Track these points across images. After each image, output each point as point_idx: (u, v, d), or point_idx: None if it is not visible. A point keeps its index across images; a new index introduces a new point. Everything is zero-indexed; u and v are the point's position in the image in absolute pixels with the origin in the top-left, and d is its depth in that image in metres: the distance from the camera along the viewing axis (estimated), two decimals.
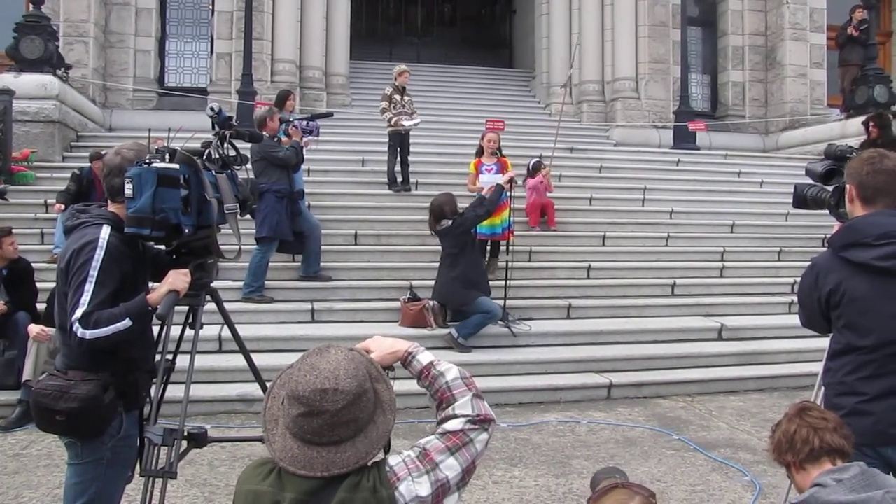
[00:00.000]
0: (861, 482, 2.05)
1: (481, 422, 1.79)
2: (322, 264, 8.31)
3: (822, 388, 2.96)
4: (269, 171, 7.78)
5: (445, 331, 7.33)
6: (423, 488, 1.66)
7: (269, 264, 7.85)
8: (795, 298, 8.39)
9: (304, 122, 8.30)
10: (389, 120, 10.10)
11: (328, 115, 8.88)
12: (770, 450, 2.33)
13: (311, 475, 1.63)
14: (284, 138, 8.02)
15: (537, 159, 10.04)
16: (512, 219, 8.22)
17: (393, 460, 1.70)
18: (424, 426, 5.56)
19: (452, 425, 1.77)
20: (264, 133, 7.84)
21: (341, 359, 1.70)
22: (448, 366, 1.90)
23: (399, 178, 10.41)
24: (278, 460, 1.67)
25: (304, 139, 8.29)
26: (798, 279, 3.10)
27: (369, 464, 1.68)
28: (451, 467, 1.70)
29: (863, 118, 10.97)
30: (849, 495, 2.01)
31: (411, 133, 10.30)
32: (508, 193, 7.87)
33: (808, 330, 3.03)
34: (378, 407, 1.73)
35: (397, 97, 10.17)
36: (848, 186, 2.82)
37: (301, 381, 1.65)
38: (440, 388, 1.85)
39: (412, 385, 1.99)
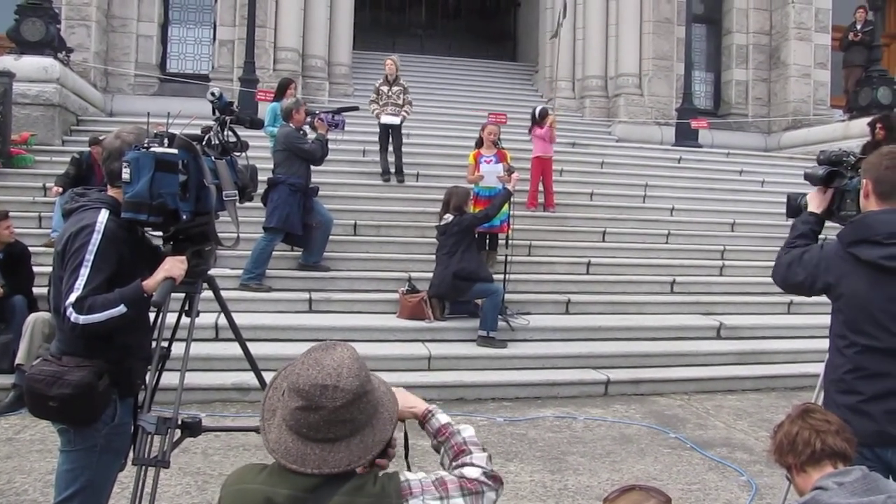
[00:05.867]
0: (863, 486, 2.02)
1: (494, 479, 1.78)
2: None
3: (823, 391, 2.93)
4: (288, 163, 7.72)
5: (444, 323, 7.33)
6: None
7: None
8: (795, 299, 8.37)
9: (330, 116, 8.20)
10: (373, 113, 10.08)
11: (353, 108, 8.82)
12: (771, 451, 2.30)
13: (301, 470, 1.61)
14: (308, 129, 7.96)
15: (543, 106, 10.22)
16: (510, 212, 8.18)
17: (409, 476, 1.70)
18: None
19: (470, 472, 1.76)
20: (290, 125, 7.79)
21: (346, 357, 1.68)
22: (464, 425, 1.92)
23: (392, 169, 10.37)
24: (270, 451, 1.66)
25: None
26: None
27: (380, 473, 1.68)
28: None
29: (867, 119, 10.93)
30: (850, 499, 1.98)
31: (416, 124, 10.22)
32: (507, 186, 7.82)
33: (786, 291, 3.08)
34: (377, 412, 1.72)
35: (384, 89, 10.12)
36: (864, 181, 2.77)
37: (303, 375, 1.63)
38: (457, 442, 1.86)
39: None
